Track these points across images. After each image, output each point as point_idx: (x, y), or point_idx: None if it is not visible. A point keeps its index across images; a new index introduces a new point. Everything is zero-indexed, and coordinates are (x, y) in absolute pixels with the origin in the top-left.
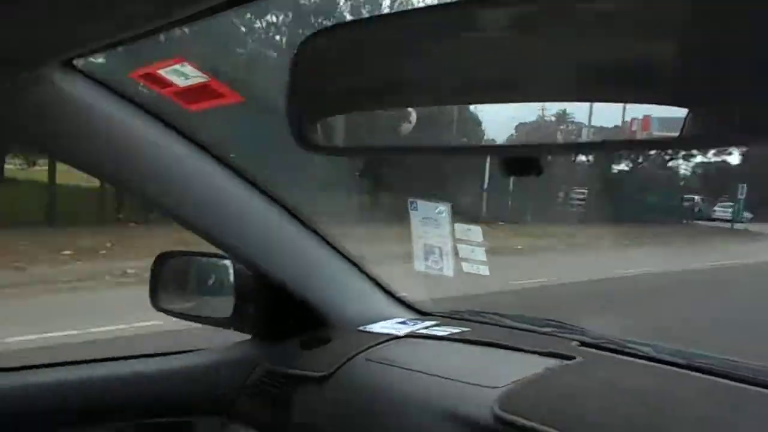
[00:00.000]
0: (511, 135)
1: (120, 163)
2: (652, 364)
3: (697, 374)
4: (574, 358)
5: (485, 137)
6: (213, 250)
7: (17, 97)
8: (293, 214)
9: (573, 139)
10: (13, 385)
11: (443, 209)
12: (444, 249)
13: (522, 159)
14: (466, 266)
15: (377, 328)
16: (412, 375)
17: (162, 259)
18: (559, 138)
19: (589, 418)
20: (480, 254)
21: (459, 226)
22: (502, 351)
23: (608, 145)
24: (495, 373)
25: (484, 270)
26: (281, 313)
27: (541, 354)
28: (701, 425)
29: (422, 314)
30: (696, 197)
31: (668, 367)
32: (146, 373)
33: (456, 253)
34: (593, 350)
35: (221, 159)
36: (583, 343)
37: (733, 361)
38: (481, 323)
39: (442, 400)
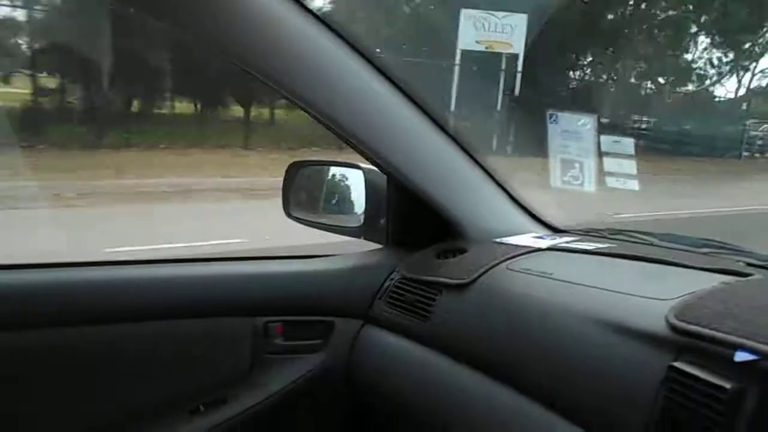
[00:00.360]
0: None
1: (279, 63)
2: None
3: None
4: (751, 275)
5: None
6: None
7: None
8: (435, 122)
9: None
10: (162, 276)
11: (587, 121)
12: (586, 163)
13: None
14: (611, 181)
15: (515, 240)
16: (561, 285)
17: (294, 168)
18: None
19: None
20: (629, 167)
21: (605, 138)
22: (660, 267)
23: None
24: (660, 287)
25: (633, 185)
26: (414, 223)
27: (710, 270)
28: None
29: (557, 231)
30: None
31: None
32: (286, 273)
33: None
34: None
35: (371, 61)
36: (751, 264)
37: None
38: (626, 241)
39: (602, 309)
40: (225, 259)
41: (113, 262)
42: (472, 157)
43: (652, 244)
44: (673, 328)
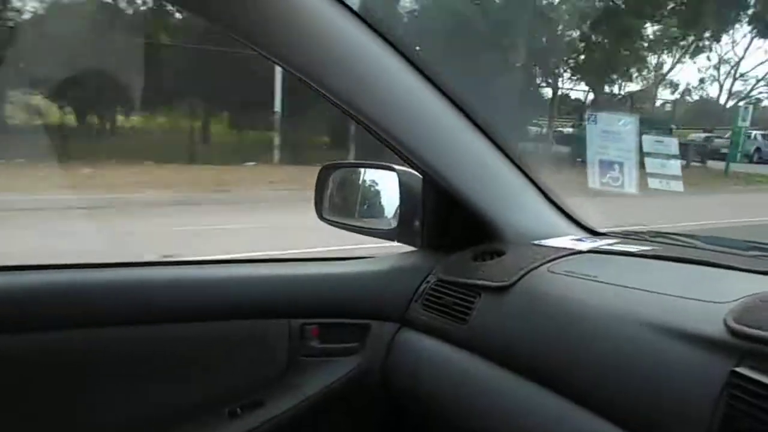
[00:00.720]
0: None
1: (318, 62)
2: None
3: None
4: None
5: None
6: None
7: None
8: (474, 122)
9: None
10: (200, 277)
11: (629, 121)
12: (627, 164)
13: None
14: (653, 182)
15: (554, 242)
16: (607, 288)
17: (326, 170)
18: None
19: None
20: (673, 168)
21: (647, 138)
22: (711, 269)
23: None
24: (714, 289)
25: (677, 186)
26: (450, 225)
27: (764, 273)
28: None
29: (597, 234)
30: (756, 132)
31: None
32: (322, 276)
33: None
34: None
35: (412, 61)
36: None
37: None
38: (668, 244)
39: (653, 312)
40: (261, 261)
41: (151, 263)
42: (509, 157)
43: (696, 247)
44: (733, 332)
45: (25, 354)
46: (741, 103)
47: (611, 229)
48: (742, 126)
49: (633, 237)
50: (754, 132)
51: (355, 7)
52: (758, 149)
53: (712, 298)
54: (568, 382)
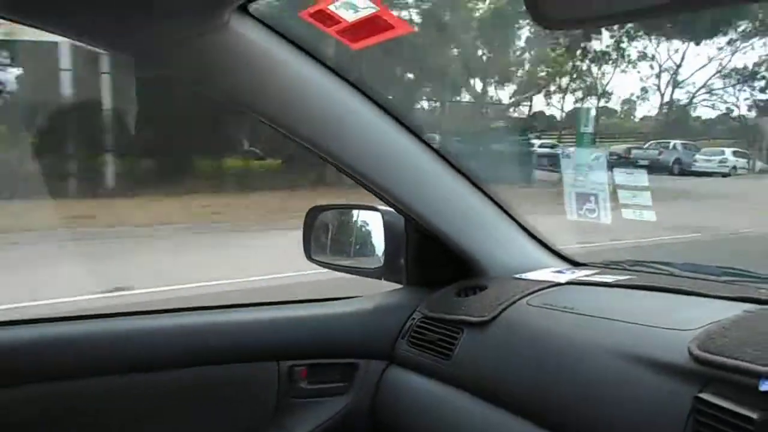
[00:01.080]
0: None
1: (285, 106)
2: None
3: None
4: None
5: None
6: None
7: (197, 44)
8: (449, 163)
9: None
10: (189, 324)
11: (599, 155)
12: (600, 196)
13: None
14: (626, 213)
15: (534, 276)
16: (582, 319)
17: (313, 212)
18: None
19: None
20: (644, 199)
21: (618, 170)
22: (682, 297)
23: None
24: (681, 317)
25: (649, 215)
26: (433, 263)
27: (731, 299)
28: None
29: (576, 264)
30: (676, 142)
31: None
32: (309, 317)
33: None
34: None
35: (382, 105)
36: None
37: None
38: (645, 272)
39: (624, 342)
40: (248, 305)
41: (136, 312)
42: (486, 194)
43: (672, 274)
44: (697, 359)
45: (5, 407)
46: (585, 106)
47: (591, 259)
48: (585, 132)
49: (612, 266)
50: (673, 141)
51: (323, 55)
52: (678, 160)
53: (679, 326)
54: (547, 414)
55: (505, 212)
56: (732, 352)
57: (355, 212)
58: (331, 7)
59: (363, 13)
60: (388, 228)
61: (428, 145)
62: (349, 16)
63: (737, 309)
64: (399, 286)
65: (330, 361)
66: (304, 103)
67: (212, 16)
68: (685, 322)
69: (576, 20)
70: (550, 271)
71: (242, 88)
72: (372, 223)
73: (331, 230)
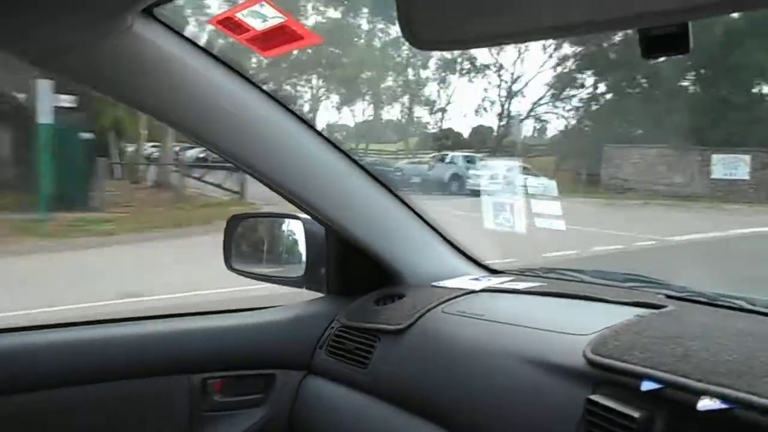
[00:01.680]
0: None
1: (198, 115)
2: (748, 314)
3: None
4: (665, 307)
5: None
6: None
7: (99, 48)
8: (367, 172)
9: None
10: (97, 338)
11: (513, 166)
12: (516, 206)
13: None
14: (539, 221)
15: (451, 283)
16: (492, 325)
17: (234, 221)
18: None
19: (693, 358)
20: (555, 209)
21: (531, 181)
22: (585, 302)
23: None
24: (581, 322)
25: (559, 225)
26: (353, 271)
27: (628, 304)
28: None
29: (494, 272)
30: (455, 154)
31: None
32: (224, 328)
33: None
34: (683, 302)
35: (296, 114)
36: (669, 296)
37: None
38: (557, 279)
39: (528, 347)
40: (160, 317)
41: (40, 326)
42: (405, 203)
43: (582, 281)
44: (590, 362)
45: None
46: None
47: (508, 266)
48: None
49: (527, 273)
50: (451, 154)
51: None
52: (456, 176)
53: (578, 331)
54: (458, 420)
55: (424, 221)
56: (621, 355)
57: (276, 221)
58: (239, 15)
59: (271, 23)
60: (309, 237)
61: (347, 155)
62: (258, 25)
63: (632, 313)
64: (321, 295)
65: (246, 372)
66: (216, 111)
67: (113, 18)
68: (584, 326)
69: (451, 41)
70: (468, 279)
71: (148, 94)
72: (294, 232)
73: (251, 239)
